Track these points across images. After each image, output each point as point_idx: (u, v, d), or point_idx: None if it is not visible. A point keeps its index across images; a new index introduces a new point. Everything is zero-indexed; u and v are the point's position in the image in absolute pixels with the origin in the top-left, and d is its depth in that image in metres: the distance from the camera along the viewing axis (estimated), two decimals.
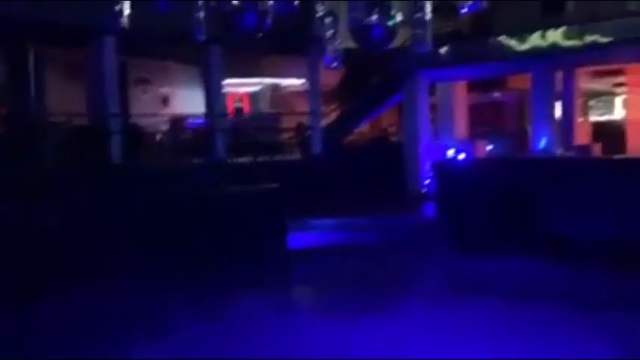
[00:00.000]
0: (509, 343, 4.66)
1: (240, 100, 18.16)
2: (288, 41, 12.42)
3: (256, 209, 7.87)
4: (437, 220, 9.68)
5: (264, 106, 17.65)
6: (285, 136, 14.65)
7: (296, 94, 17.61)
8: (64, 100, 11.48)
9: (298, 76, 16.03)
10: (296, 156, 13.77)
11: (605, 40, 8.90)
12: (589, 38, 9.10)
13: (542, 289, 6.18)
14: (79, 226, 6.54)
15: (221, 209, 7.66)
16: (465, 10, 6.05)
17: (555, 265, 6.84)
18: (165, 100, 15.26)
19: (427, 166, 12.23)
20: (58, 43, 11.48)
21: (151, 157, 12.18)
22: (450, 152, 13.03)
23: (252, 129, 14.15)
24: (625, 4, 9.05)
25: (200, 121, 13.52)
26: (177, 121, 13.59)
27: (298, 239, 9.03)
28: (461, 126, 14.06)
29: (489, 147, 14.26)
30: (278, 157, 13.10)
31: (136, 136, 11.82)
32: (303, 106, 15.10)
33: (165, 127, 13.28)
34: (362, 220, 10.95)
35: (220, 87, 12.89)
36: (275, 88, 17.80)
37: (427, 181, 12.30)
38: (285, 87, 17.88)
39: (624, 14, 8.97)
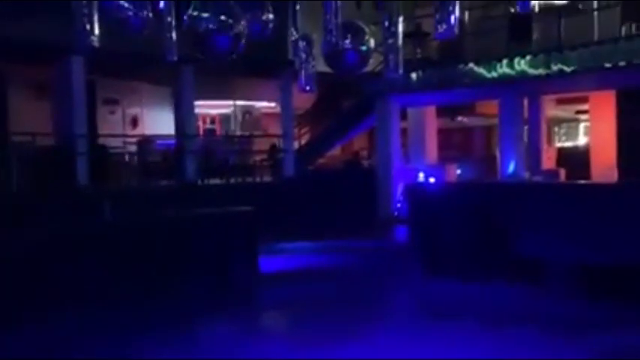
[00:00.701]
0: None
1: (212, 121, 18.05)
2: (262, 64, 12.45)
3: (228, 232, 7.76)
4: (408, 243, 9.70)
5: (236, 128, 17.58)
6: (258, 158, 14.58)
7: (268, 116, 17.62)
8: (28, 119, 11.16)
9: (271, 99, 16.06)
10: (268, 178, 13.69)
11: (569, 68, 9.23)
12: (554, 67, 9.42)
13: (512, 313, 6.23)
14: (47, 251, 6.33)
15: (191, 232, 7.53)
16: (438, 35, 6.15)
17: (524, 288, 6.91)
18: (134, 121, 15.02)
19: (399, 189, 12.31)
20: (24, 60, 11.20)
21: (118, 179, 11.89)
22: (421, 176, 13.17)
23: (224, 151, 14.03)
24: (587, 34, 9.46)
25: (170, 142, 13.33)
26: (146, 142, 13.35)
27: (270, 263, 8.91)
28: (431, 150, 14.27)
29: (458, 171, 14.50)
30: (250, 180, 12.99)
31: (103, 158, 11.55)
32: (276, 129, 15.08)
33: (133, 148, 13.03)
34: (334, 243, 10.91)
35: (192, 108, 12.78)
36: (247, 110, 17.77)
37: (399, 205, 12.36)
38: (258, 109, 17.88)
39: (587, 44, 9.35)
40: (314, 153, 14.86)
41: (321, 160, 15.97)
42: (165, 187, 11.81)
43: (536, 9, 10.03)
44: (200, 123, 16.95)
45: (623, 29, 9.51)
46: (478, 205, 7.73)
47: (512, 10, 9.75)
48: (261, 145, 15.01)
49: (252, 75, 14.02)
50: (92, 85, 12.41)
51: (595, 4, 10.09)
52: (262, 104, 17.30)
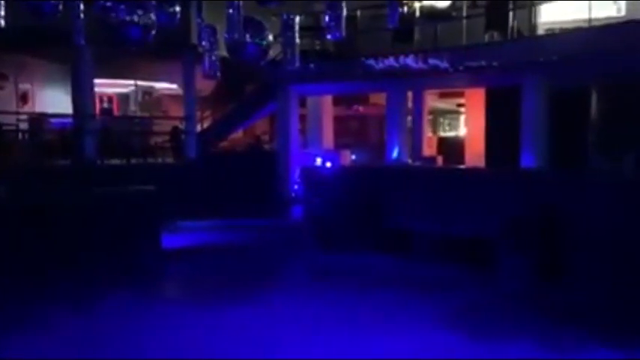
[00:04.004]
0: (367, 323, 5.57)
1: (110, 100, 17.62)
2: (163, 46, 12.52)
3: (130, 211, 8.05)
4: (303, 221, 10.61)
5: (135, 109, 17.35)
6: (159, 139, 14.63)
7: (169, 97, 17.58)
8: None
9: (172, 81, 16.08)
10: (170, 160, 13.86)
11: (443, 66, 10.58)
12: (431, 64, 10.75)
13: (388, 277, 7.39)
14: None
15: (94, 211, 7.73)
16: (328, 35, 6.94)
17: (398, 257, 8.14)
18: (23, 97, 14.37)
19: (297, 172, 13.14)
20: None
21: (12, 157, 11.47)
22: (318, 160, 14.09)
23: (124, 131, 13.93)
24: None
25: (67, 120, 13.00)
26: (38, 120, 12.90)
27: (173, 240, 9.35)
28: (328, 136, 15.23)
29: (353, 156, 15.65)
30: (151, 161, 13.09)
31: None
32: (177, 111, 15.19)
33: (25, 125, 12.54)
34: (234, 221, 11.51)
35: (91, 87, 12.54)
36: (147, 90, 17.57)
37: (296, 186, 13.20)
38: (158, 90, 17.74)
39: (457, 47, 10.80)
40: (216, 136, 15.20)
41: (223, 143, 16.34)
42: (63, 166, 11.61)
43: (418, 13, 11.35)
44: (96, 102, 16.50)
45: (486, 36, 11.09)
46: (361, 187, 8.82)
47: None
48: (163, 126, 15.06)
49: (153, 56, 13.99)
50: None
51: (464, 13, 11.59)
52: (163, 85, 17.22)
